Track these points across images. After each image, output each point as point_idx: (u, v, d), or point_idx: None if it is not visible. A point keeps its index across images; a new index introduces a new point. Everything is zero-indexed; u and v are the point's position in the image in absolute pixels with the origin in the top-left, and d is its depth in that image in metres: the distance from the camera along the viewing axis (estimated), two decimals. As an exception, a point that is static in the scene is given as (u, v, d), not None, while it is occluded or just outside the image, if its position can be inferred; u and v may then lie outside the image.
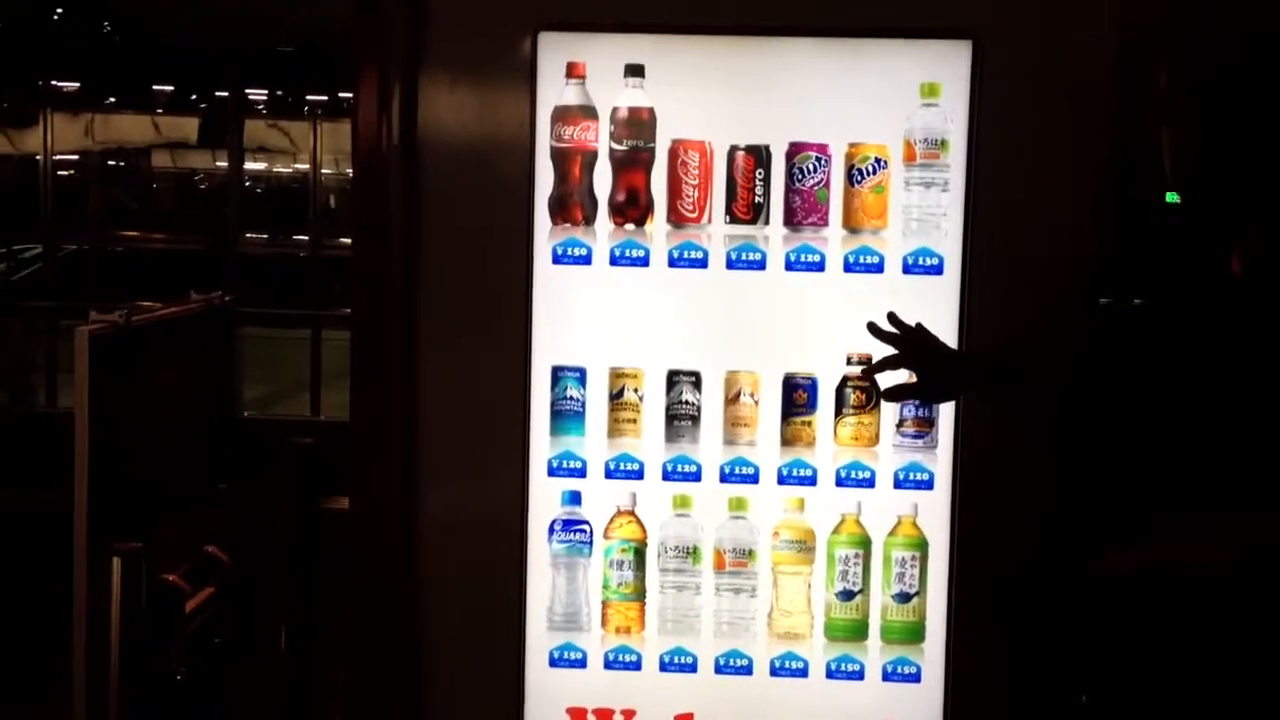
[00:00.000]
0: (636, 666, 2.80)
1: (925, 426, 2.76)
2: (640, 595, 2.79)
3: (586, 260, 2.75)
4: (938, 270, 2.74)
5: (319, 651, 3.24)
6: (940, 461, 2.76)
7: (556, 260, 2.75)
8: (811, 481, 2.77)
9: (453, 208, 2.74)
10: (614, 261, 2.75)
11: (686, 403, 2.77)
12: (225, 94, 12.85)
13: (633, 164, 2.74)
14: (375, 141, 2.71)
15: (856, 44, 2.72)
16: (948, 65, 2.68)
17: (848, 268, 2.74)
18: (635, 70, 2.72)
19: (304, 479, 3.14)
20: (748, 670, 2.80)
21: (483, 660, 2.80)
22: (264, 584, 3.22)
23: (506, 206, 2.73)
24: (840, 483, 2.77)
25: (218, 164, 13.52)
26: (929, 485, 2.76)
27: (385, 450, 2.74)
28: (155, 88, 14.19)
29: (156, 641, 2.85)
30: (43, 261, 12.15)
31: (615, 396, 2.78)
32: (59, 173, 12.47)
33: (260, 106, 13.47)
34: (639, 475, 2.78)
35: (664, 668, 2.80)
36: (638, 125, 2.73)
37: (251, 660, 3.36)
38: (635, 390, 2.77)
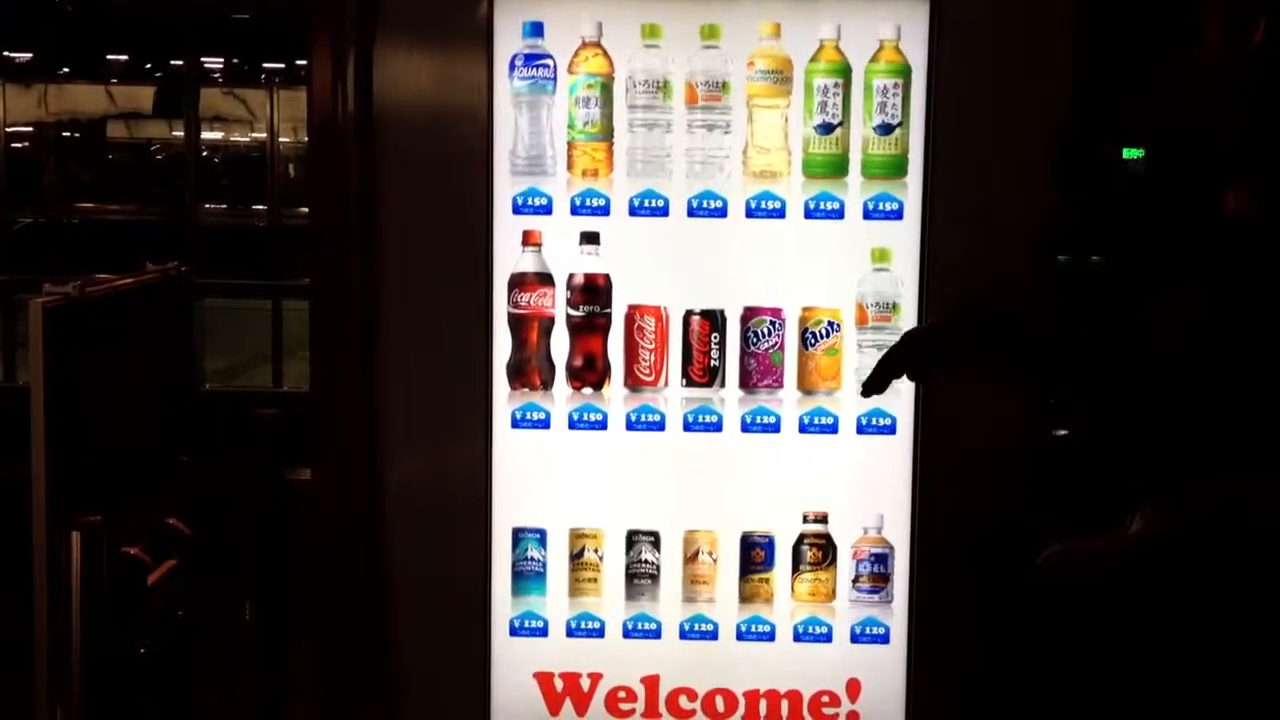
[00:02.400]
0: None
1: (881, 582, 2.82)
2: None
3: (545, 424, 2.78)
4: (891, 430, 2.78)
5: (285, 622, 3.28)
6: (896, 615, 2.82)
7: (515, 425, 2.78)
8: (770, 637, 2.83)
9: (411, 173, 2.72)
10: (572, 425, 2.78)
11: (646, 562, 2.82)
12: (180, 63, 12.72)
13: (590, 329, 2.76)
14: (331, 109, 2.69)
15: (816, 1, 2.72)
16: (907, 21, 2.69)
17: (803, 429, 2.78)
18: (591, 238, 2.73)
19: (269, 451, 3.15)
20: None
21: (448, 628, 2.83)
22: (227, 556, 3.24)
23: (466, 169, 2.72)
24: (798, 638, 2.83)
25: (174, 134, 13.33)
26: (885, 639, 2.83)
27: (347, 419, 2.75)
28: (109, 57, 13.96)
29: (118, 615, 2.88)
30: (-4, 235, 12.01)
31: (575, 556, 2.82)
32: (12, 145, 12.30)
33: (216, 75, 13.31)
34: (600, 634, 2.83)
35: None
36: (594, 291, 2.75)
37: (216, 633, 3.40)
38: (595, 550, 2.82)
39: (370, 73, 2.70)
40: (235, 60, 13.38)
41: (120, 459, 3.02)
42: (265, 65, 13.09)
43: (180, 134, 12.68)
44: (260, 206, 12.89)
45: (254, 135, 13.44)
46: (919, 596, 2.81)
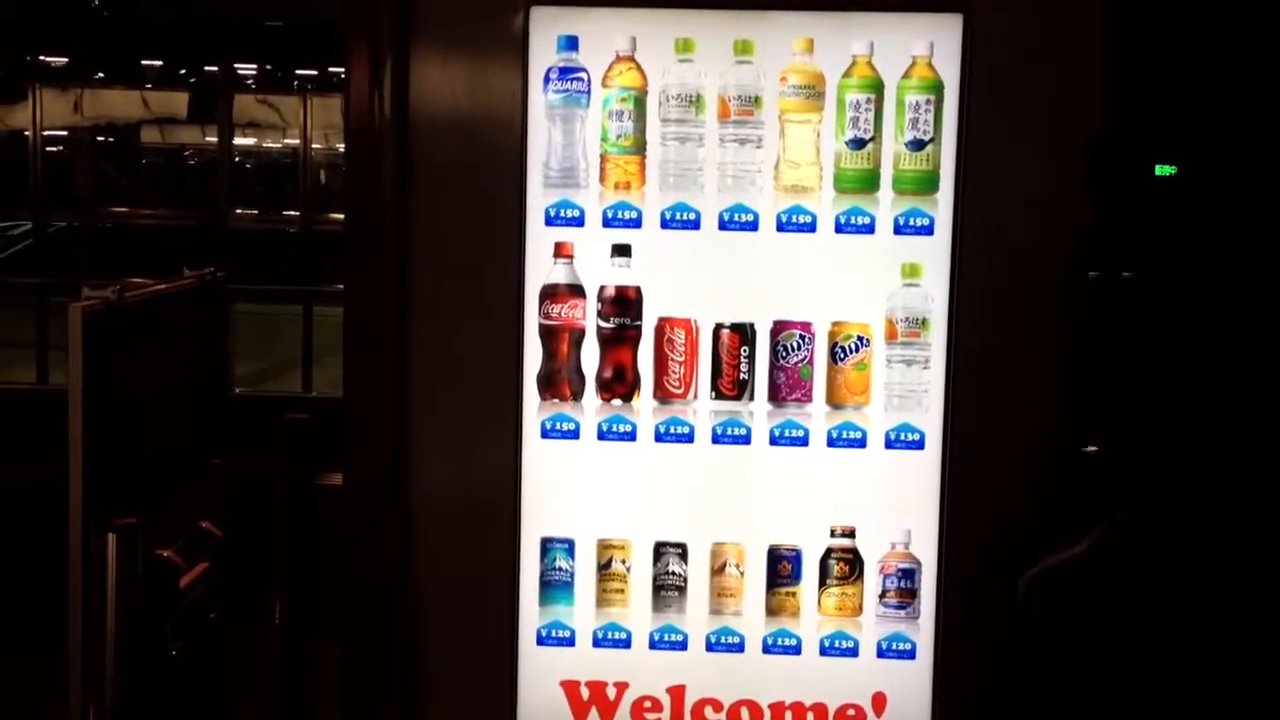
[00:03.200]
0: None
1: (908, 597, 2.82)
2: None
3: (575, 435, 2.79)
4: (919, 445, 2.79)
5: (312, 625, 3.30)
6: (922, 631, 2.83)
7: (545, 435, 2.80)
8: (796, 651, 2.83)
9: (446, 181, 2.75)
10: (601, 436, 2.79)
11: (673, 573, 2.83)
12: (214, 69, 12.81)
13: (620, 341, 2.77)
14: (368, 115, 2.72)
15: (850, 17, 2.73)
16: (939, 37, 2.71)
17: (831, 443, 2.79)
18: (622, 250, 2.75)
19: (298, 453, 3.17)
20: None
21: (477, 635, 2.85)
22: (257, 559, 3.26)
23: (499, 179, 2.74)
24: (824, 651, 2.83)
25: (207, 139, 13.43)
26: (911, 655, 2.83)
27: (379, 424, 2.77)
28: (144, 63, 14.09)
29: (152, 617, 2.90)
30: (32, 238, 12.11)
31: (603, 567, 2.83)
32: (48, 149, 12.41)
33: (249, 81, 13.40)
34: (626, 644, 2.84)
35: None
36: (625, 303, 2.76)
37: (246, 635, 3.42)
38: (623, 561, 2.83)
39: (406, 81, 2.73)
40: (268, 66, 13.48)
41: (154, 461, 3.05)
42: (298, 71, 13.16)
43: (213, 139, 12.78)
44: (291, 212, 12.99)
45: (286, 141, 13.56)
46: (946, 613, 2.81)
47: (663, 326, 2.77)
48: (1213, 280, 2.41)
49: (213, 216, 12.46)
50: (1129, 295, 2.78)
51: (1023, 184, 2.71)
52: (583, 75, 2.72)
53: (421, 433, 2.80)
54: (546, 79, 2.73)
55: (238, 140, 12.90)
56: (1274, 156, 2.35)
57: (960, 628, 2.81)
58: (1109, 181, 2.68)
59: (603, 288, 2.76)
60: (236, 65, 13.02)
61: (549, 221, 2.75)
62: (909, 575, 2.82)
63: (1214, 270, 2.45)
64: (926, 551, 2.81)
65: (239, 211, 12.78)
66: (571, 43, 2.72)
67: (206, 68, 13.29)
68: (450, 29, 2.75)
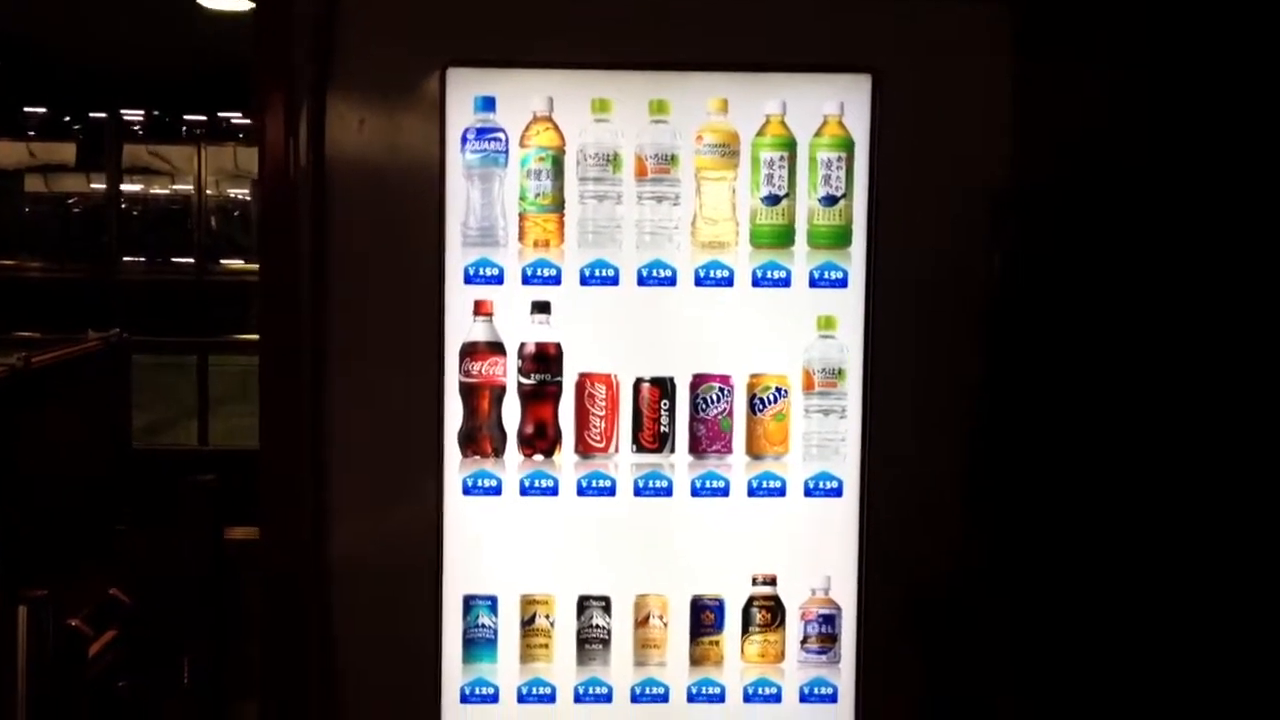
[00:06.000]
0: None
1: (829, 642, 2.87)
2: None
3: (497, 491, 2.80)
4: (837, 493, 2.84)
5: (225, 686, 3.25)
6: (843, 675, 2.88)
7: (467, 492, 2.80)
8: (720, 699, 2.86)
9: (363, 237, 2.73)
10: (524, 492, 2.80)
11: (597, 626, 2.84)
12: (102, 116, 12.62)
13: (541, 397, 2.79)
14: (283, 167, 2.71)
15: (763, 78, 2.78)
16: (849, 96, 2.77)
17: (751, 492, 2.83)
18: (542, 307, 2.77)
19: (206, 518, 3.13)
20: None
21: (400, 694, 2.82)
22: (166, 624, 3.21)
23: (418, 237, 2.74)
24: (748, 699, 2.87)
25: (93, 186, 13.21)
26: (833, 699, 2.88)
27: (296, 481, 2.74)
28: (27, 110, 13.82)
29: (61, 688, 2.85)
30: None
31: (527, 623, 2.84)
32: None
33: (136, 128, 13.20)
34: (551, 699, 2.84)
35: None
36: (545, 360, 2.78)
37: (156, 701, 3.35)
38: (547, 616, 2.84)
39: (323, 132, 2.72)
40: (155, 113, 13.29)
41: (62, 528, 3.00)
42: (186, 117, 13.00)
43: (100, 186, 12.59)
44: (182, 259, 12.83)
45: (174, 188, 13.39)
46: (866, 656, 2.86)
47: (583, 382, 2.80)
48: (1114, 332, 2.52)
49: (104, 267, 12.27)
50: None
51: (932, 238, 2.78)
52: (500, 135, 2.75)
53: (341, 490, 2.78)
54: (464, 139, 2.75)
55: (125, 187, 12.71)
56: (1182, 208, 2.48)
57: (879, 671, 2.86)
58: (1012, 238, 2.77)
59: (523, 345, 2.78)
60: (123, 112, 12.83)
61: (468, 280, 2.77)
62: (830, 620, 2.86)
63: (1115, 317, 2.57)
64: (846, 596, 2.86)
65: (126, 259, 12.58)
66: (489, 103, 2.74)
67: (92, 114, 13.06)
68: (367, 84, 2.74)
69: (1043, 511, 2.76)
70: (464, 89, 2.75)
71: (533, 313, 2.77)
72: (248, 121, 13.32)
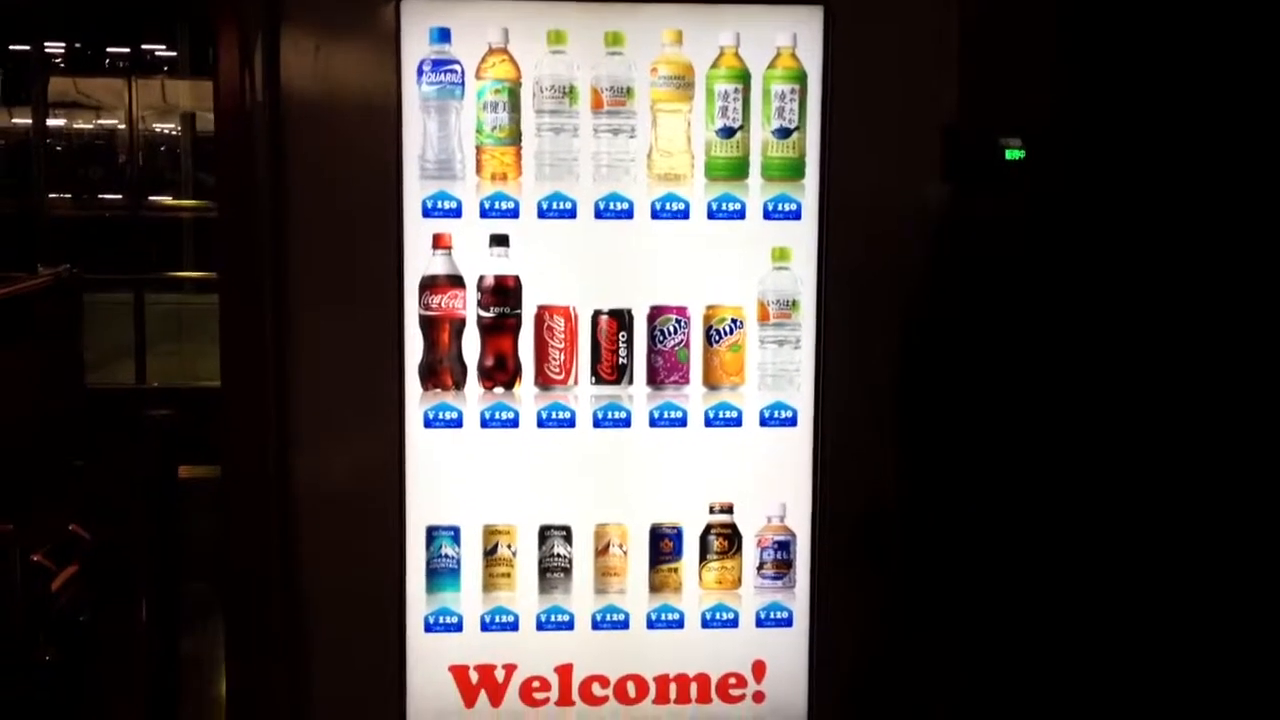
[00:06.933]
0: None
1: (784, 568, 2.94)
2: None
3: (458, 424, 2.83)
4: (792, 423, 2.90)
5: (180, 622, 3.27)
6: (798, 599, 2.95)
7: (428, 424, 2.83)
8: (679, 625, 2.92)
9: (321, 171, 2.74)
10: (484, 424, 2.83)
11: (558, 555, 2.89)
12: (25, 49, 12.30)
13: (500, 330, 2.82)
14: (239, 100, 2.70)
15: (717, 10, 2.80)
16: (802, 28, 2.80)
17: (708, 423, 2.88)
18: (500, 240, 2.78)
19: (163, 452, 3.13)
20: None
21: (364, 625, 2.86)
22: (123, 559, 3.21)
23: (376, 171, 2.75)
24: (706, 624, 2.93)
25: (14, 121, 12.90)
26: (789, 623, 2.95)
27: (259, 415, 2.75)
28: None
29: (26, 623, 2.86)
30: None
31: (489, 553, 2.88)
32: None
33: (59, 61, 12.89)
34: (514, 627, 2.89)
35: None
36: (504, 293, 2.80)
37: (116, 635, 3.37)
38: (509, 546, 2.88)
39: (278, 65, 2.71)
40: (78, 45, 12.97)
41: (19, 464, 2.99)
42: (109, 50, 12.71)
43: (22, 121, 12.30)
44: (109, 196, 12.60)
45: (99, 123, 13.12)
46: (819, 581, 2.93)
47: (542, 314, 2.82)
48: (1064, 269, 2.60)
49: (31, 203, 12.01)
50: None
51: (883, 170, 2.82)
52: (456, 67, 2.75)
53: (302, 424, 2.80)
54: (420, 71, 2.75)
55: (51, 122, 12.43)
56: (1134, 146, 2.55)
57: (834, 594, 2.93)
58: (962, 170, 2.81)
59: (482, 278, 2.80)
60: (47, 45, 12.51)
61: (426, 213, 2.78)
62: (785, 547, 2.93)
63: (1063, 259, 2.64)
64: (801, 523, 2.93)
65: (52, 196, 12.32)
66: (444, 35, 2.74)
67: (13, 47, 12.72)
68: (322, 15, 2.73)
69: (988, 437, 2.83)
70: (419, 20, 2.74)
71: (491, 245, 2.79)
72: (173, 54, 13.11)
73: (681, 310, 2.85)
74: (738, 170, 2.82)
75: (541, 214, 2.79)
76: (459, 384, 2.82)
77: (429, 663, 2.90)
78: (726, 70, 2.80)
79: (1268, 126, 2.70)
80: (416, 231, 2.77)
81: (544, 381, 2.84)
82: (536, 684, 2.92)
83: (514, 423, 2.83)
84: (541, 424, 2.84)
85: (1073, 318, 2.74)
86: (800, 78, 2.81)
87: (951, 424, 2.86)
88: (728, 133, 2.80)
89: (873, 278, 2.85)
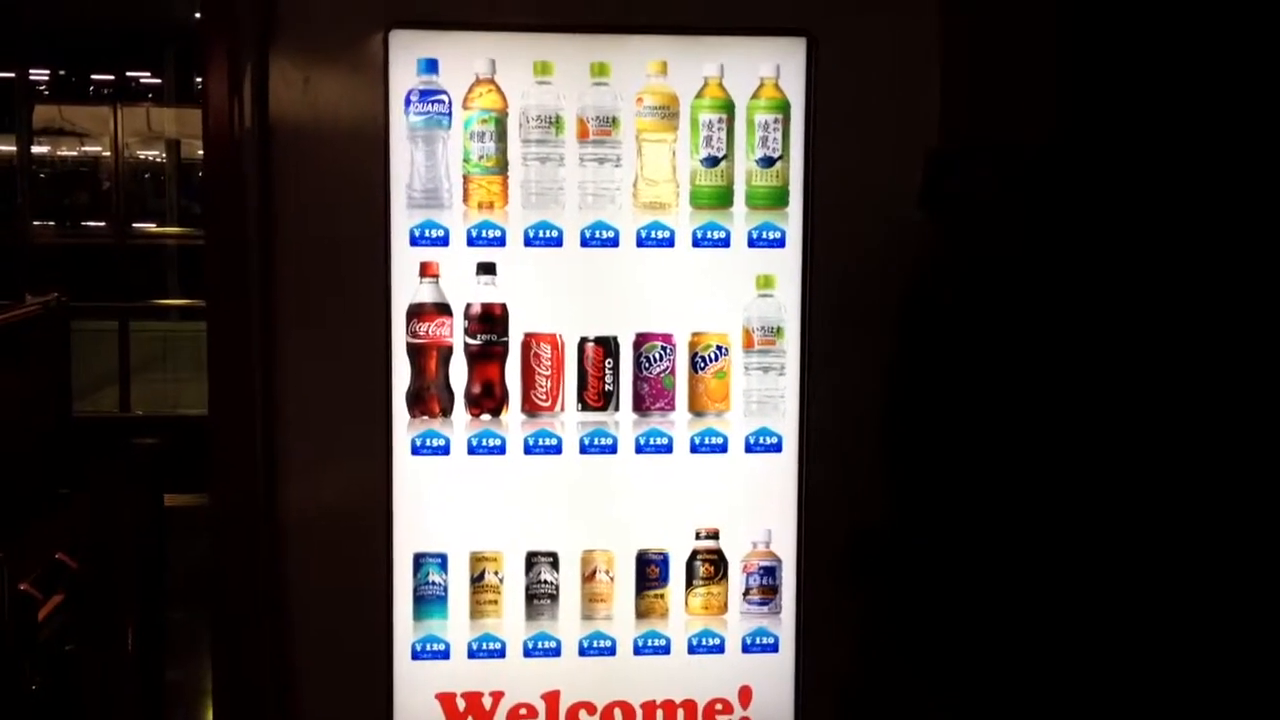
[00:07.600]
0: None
1: (770, 594, 2.95)
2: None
3: (445, 451, 2.84)
4: (777, 449, 2.92)
5: (164, 650, 3.26)
6: (784, 625, 2.96)
7: (416, 452, 2.84)
8: (666, 651, 2.93)
9: (309, 198, 2.75)
10: (471, 451, 2.85)
11: (545, 582, 2.90)
12: (10, 76, 12.32)
13: (487, 357, 2.83)
14: (227, 126, 2.71)
15: (701, 41, 2.83)
16: (785, 59, 2.84)
17: (694, 449, 2.90)
18: (487, 268, 2.80)
19: (149, 480, 3.13)
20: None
21: (351, 652, 2.86)
22: (110, 587, 3.21)
23: (364, 199, 2.76)
24: (693, 650, 2.94)
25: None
26: (774, 648, 2.96)
27: (246, 442, 2.76)
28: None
29: (12, 652, 2.85)
30: None
31: (476, 579, 2.89)
32: None
33: (43, 88, 12.91)
34: (501, 654, 2.90)
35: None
36: (491, 320, 2.82)
37: (102, 664, 3.36)
38: (495, 572, 2.89)
39: (266, 92, 2.73)
40: (62, 72, 12.99)
41: (6, 493, 2.99)
42: (94, 77, 12.74)
43: (9, 149, 12.32)
44: (94, 224, 12.62)
45: (84, 150, 13.13)
46: (805, 606, 2.95)
47: (529, 342, 2.84)
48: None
49: (13, 233, 12.02)
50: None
51: (866, 197, 2.85)
52: (444, 97, 2.77)
53: (290, 452, 2.81)
54: (408, 101, 2.77)
55: (35, 149, 12.44)
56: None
57: (820, 619, 2.95)
58: (939, 199, 2.85)
59: (469, 305, 2.82)
60: (32, 72, 12.54)
61: (414, 241, 2.80)
62: (771, 572, 2.94)
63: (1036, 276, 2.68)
64: (786, 549, 2.94)
65: (37, 224, 12.33)
66: (432, 65, 2.76)
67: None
68: (311, 45, 2.76)
69: (975, 464, 2.85)
70: (407, 51, 2.77)
71: (478, 274, 2.81)
72: (158, 82, 13.14)
73: (667, 337, 2.87)
74: (722, 199, 2.85)
75: (528, 242, 2.81)
76: (446, 411, 2.83)
77: (416, 690, 2.90)
78: (711, 100, 2.83)
79: (1263, 141, 2.74)
80: (404, 260, 2.79)
81: (531, 408, 2.85)
82: (524, 711, 2.92)
83: (501, 449, 2.85)
84: (528, 451, 2.86)
85: (1057, 346, 2.77)
86: (784, 107, 2.84)
87: (937, 449, 2.88)
88: (712, 162, 2.83)
89: (856, 304, 2.87)
